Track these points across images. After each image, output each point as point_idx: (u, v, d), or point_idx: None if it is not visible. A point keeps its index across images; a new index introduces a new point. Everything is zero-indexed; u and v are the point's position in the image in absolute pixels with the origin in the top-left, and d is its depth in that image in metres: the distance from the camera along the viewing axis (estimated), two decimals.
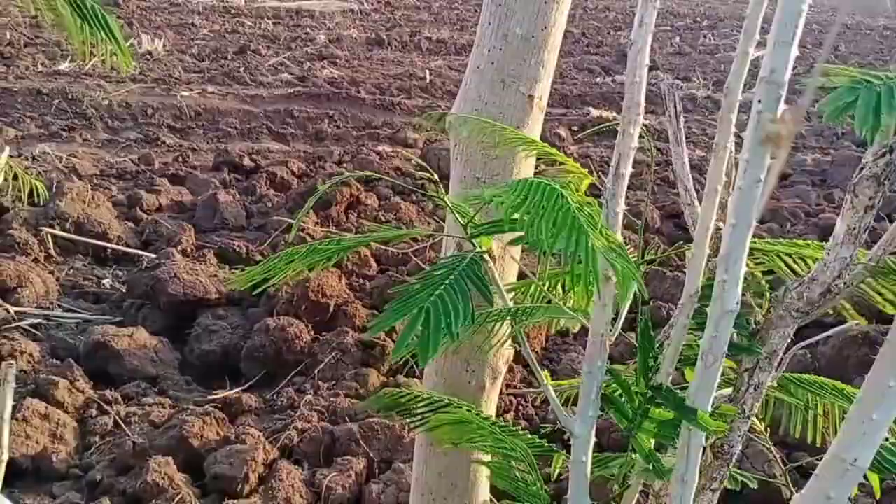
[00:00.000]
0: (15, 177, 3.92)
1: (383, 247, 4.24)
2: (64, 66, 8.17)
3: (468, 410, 1.22)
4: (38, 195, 4.06)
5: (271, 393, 2.86)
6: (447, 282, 0.97)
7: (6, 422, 1.10)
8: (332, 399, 2.73)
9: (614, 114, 8.23)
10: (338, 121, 7.48)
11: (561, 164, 1.22)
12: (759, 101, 0.79)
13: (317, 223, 4.62)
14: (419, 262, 3.91)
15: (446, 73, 9.74)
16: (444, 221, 4.96)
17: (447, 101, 8.43)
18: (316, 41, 11.02)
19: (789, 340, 0.95)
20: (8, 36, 9.19)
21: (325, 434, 2.47)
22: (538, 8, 1.32)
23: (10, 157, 4.95)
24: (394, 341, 3.11)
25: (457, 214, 1.09)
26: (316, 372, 2.91)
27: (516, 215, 0.90)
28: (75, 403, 2.62)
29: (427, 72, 9.31)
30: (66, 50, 8.68)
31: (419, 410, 1.24)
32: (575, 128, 7.68)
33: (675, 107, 1.05)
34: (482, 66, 1.36)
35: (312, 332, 3.10)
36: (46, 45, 9.11)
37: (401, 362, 3.08)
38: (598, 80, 9.67)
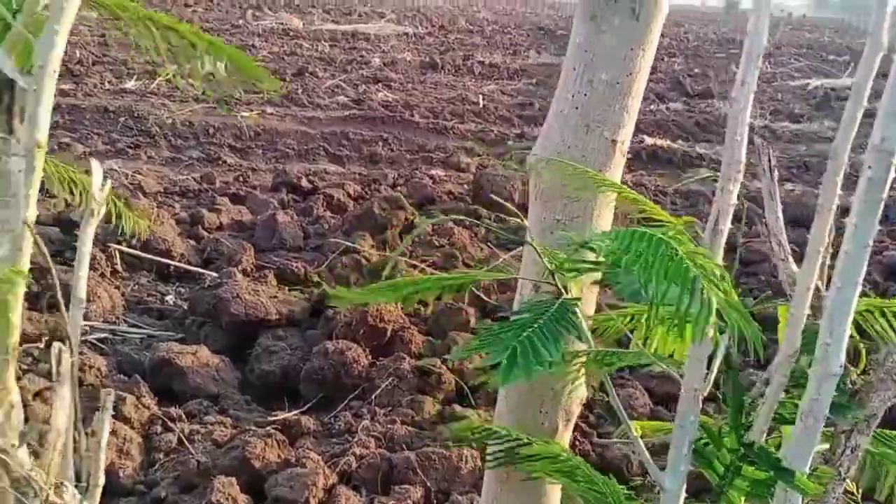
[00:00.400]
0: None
1: (436, 271, 4.26)
2: (130, 84, 8.47)
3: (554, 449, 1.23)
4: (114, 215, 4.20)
5: (329, 416, 2.89)
6: (537, 324, 0.98)
7: (103, 449, 1.14)
8: (388, 425, 2.74)
9: (668, 142, 8.16)
10: (391, 144, 7.58)
11: (646, 210, 1.22)
12: (870, 167, 0.79)
13: (372, 246, 4.67)
14: (474, 289, 3.92)
15: (499, 98, 9.80)
16: (497, 247, 4.98)
17: (500, 125, 8.48)
18: (371, 64, 11.20)
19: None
20: (77, 54, 9.59)
21: (382, 461, 2.49)
22: (624, 55, 1.33)
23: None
24: (451, 370, 3.12)
25: (545, 259, 1.10)
26: (373, 397, 2.94)
27: (620, 263, 0.91)
28: (141, 419, 2.69)
29: (480, 96, 9.37)
30: (132, 69, 9.01)
31: (501, 446, 1.25)
32: (629, 155, 7.60)
33: (769, 162, 1.05)
34: (566, 111, 1.37)
35: (370, 357, 3.13)
36: (114, 64, 9.47)
37: (455, 392, 3.09)
38: (651, 107, 9.60)
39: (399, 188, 6.08)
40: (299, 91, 8.80)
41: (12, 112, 0.68)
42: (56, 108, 7.26)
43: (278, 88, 1.29)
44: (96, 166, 1.22)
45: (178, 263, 4.20)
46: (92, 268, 3.89)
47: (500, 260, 4.48)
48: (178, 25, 1.17)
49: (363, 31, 14.81)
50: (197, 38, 1.17)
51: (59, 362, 0.96)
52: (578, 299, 1.06)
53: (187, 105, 7.69)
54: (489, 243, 5.04)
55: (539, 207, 1.43)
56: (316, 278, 4.17)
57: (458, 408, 2.92)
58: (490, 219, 5.56)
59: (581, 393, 1.47)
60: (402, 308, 3.54)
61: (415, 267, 4.17)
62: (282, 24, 14.68)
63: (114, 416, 2.60)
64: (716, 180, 0.96)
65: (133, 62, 9.20)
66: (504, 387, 1.58)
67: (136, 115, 7.19)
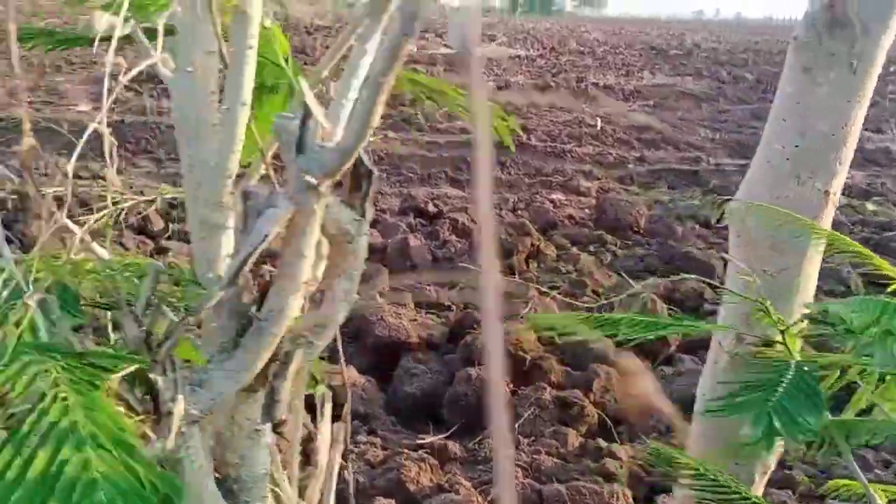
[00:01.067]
0: None
1: (565, 299, 4.25)
2: None
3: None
4: None
5: (473, 442, 2.94)
6: (780, 388, 0.98)
7: (334, 478, 1.22)
8: (534, 456, 2.76)
9: None
10: (510, 168, 7.65)
11: (869, 262, 1.19)
12: None
13: (499, 271, 4.73)
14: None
15: (615, 120, 9.69)
16: (625, 274, 4.91)
17: (618, 149, 8.39)
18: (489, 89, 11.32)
19: None
20: None
21: (532, 492, 2.51)
22: (840, 106, 1.32)
23: None
24: (593, 403, 3.11)
25: (774, 319, 1.10)
26: (516, 426, 2.96)
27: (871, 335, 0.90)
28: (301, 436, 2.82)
29: (598, 119, 9.31)
30: None
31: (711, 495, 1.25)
32: None
33: None
34: (775, 161, 1.37)
35: (510, 385, 3.17)
36: None
37: (597, 425, 3.08)
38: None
39: (520, 212, 6.12)
40: (418, 115, 9.02)
41: (367, 198, 0.76)
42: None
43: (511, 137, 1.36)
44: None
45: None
46: None
47: (633, 290, 4.42)
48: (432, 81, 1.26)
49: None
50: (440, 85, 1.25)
51: (323, 404, 1.05)
52: (814, 362, 1.05)
53: None
54: (616, 270, 4.99)
55: (742, 256, 1.43)
56: (447, 301, 4.27)
57: (602, 442, 2.90)
58: (615, 245, 5.51)
59: (780, 447, 1.45)
60: (537, 337, 3.56)
61: (545, 294, 4.18)
62: None
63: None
64: None
65: None
66: (695, 433, 1.57)
67: None
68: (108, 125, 0.93)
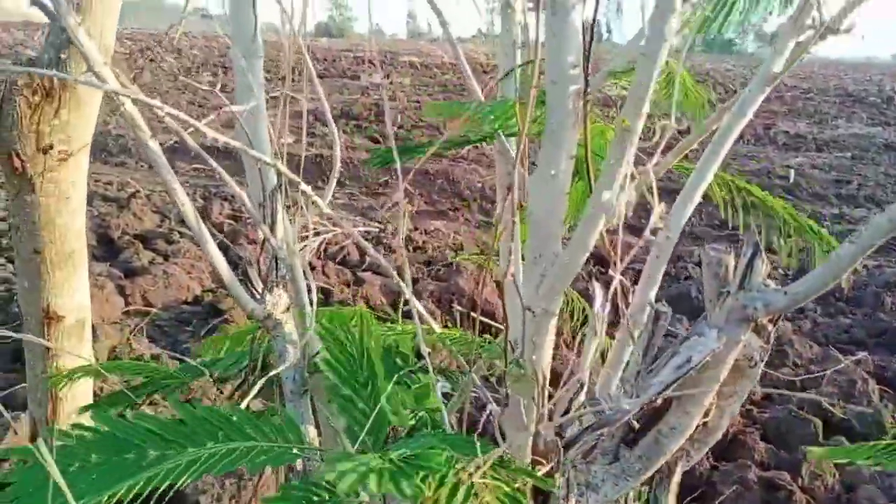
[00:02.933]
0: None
1: (766, 368, 3.99)
2: None
3: None
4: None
5: None
6: None
7: None
8: None
9: None
10: (693, 218, 7.37)
11: None
12: None
13: (687, 329, 4.54)
14: (819, 396, 3.59)
15: (809, 173, 9.08)
16: (829, 345, 4.54)
17: (813, 203, 7.83)
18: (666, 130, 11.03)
19: None
20: (399, 118, 10.76)
21: None
22: None
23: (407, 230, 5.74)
24: (802, 489, 2.89)
25: None
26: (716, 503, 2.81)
27: None
28: None
29: (791, 171, 8.76)
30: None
31: None
32: None
33: None
34: None
35: (711, 459, 3.01)
36: (430, 128, 10.45)
37: None
38: None
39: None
40: None
41: (776, 325, 0.76)
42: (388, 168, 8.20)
43: None
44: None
45: (500, 326, 4.44)
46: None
47: (841, 365, 4.07)
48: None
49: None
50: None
51: None
52: None
53: (494, 171, 8.21)
54: (818, 342, 4.62)
55: None
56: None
57: None
58: (816, 311, 5.11)
59: None
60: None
61: None
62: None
63: None
64: None
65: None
66: None
67: (451, 178, 7.84)
68: (308, 159, 1.00)
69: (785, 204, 1.37)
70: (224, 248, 5.07)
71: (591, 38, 0.84)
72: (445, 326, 4.21)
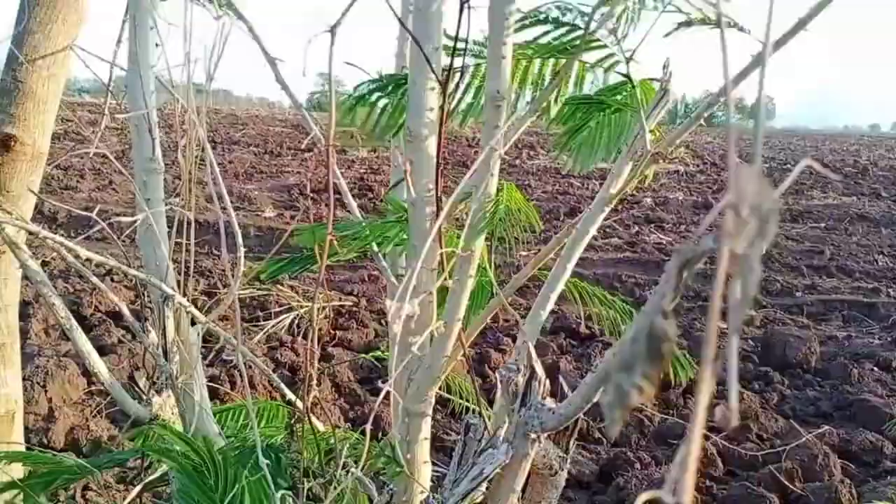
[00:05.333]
0: None
1: (730, 445, 4.01)
2: None
3: None
4: None
5: None
6: None
7: None
8: None
9: None
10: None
11: None
12: None
13: (655, 405, 4.55)
14: (775, 472, 3.59)
15: (782, 244, 9.24)
16: (794, 419, 4.54)
17: (785, 275, 7.95)
18: (642, 203, 11.29)
19: None
20: (384, 191, 10.95)
21: None
22: None
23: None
24: None
25: None
26: None
27: None
28: None
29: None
30: None
31: None
32: None
33: None
34: None
35: None
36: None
37: None
38: None
39: (680, 339, 5.91)
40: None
41: (572, 437, 0.82)
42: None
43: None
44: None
45: (467, 403, 4.44)
46: None
47: (802, 440, 4.08)
48: None
49: None
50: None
51: None
52: None
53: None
54: (785, 415, 4.63)
55: None
56: (597, 434, 4.15)
57: None
58: (783, 384, 5.13)
59: None
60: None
61: (706, 437, 3.96)
62: (553, 162, 15.48)
63: None
64: None
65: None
66: None
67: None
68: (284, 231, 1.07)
69: (618, 300, 1.45)
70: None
71: (440, 165, 0.92)
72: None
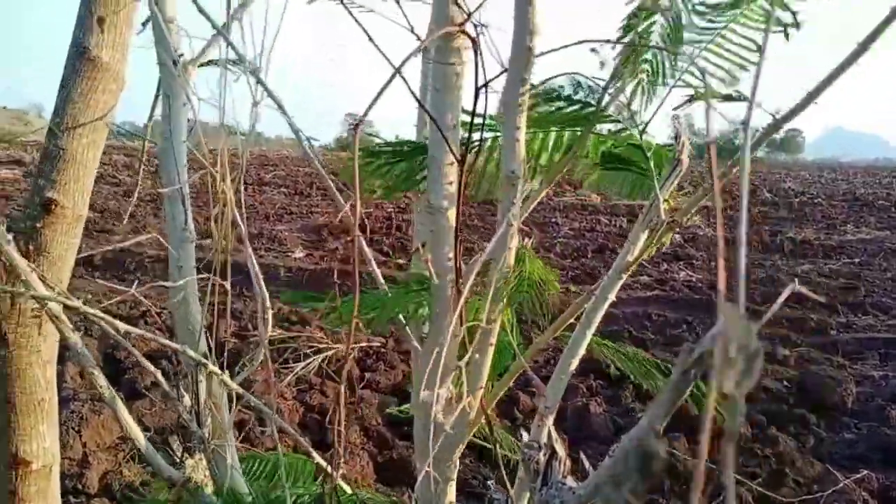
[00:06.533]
0: None
1: (766, 491, 3.91)
2: None
3: None
4: None
5: None
6: None
7: None
8: None
9: None
10: (697, 328, 7.35)
11: None
12: None
13: (687, 448, 4.48)
14: None
15: (816, 280, 9.09)
16: (831, 464, 4.43)
17: (820, 312, 7.81)
18: (671, 240, 11.19)
19: None
20: (411, 229, 11.03)
21: None
22: None
23: None
24: None
25: None
26: None
27: None
28: None
29: (795, 279, 8.76)
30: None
31: None
32: None
33: None
34: None
35: None
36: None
37: None
38: None
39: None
40: (601, 268, 9.07)
41: None
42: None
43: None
44: None
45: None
46: None
47: (841, 485, 3.97)
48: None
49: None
50: None
51: None
52: None
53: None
54: (821, 459, 4.52)
55: None
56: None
57: None
58: (819, 426, 5.01)
59: None
60: None
61: (741, 484, 3.88)
62: (581, 199, 15.49)
63: None
64: None
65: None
66: None
67: None
68: (319, 272, 1.10)
69: (645, 355, 1.45)
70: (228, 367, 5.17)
71: (458, 236, 0.95)
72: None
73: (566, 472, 0.80)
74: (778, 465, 4.22)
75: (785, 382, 5.84)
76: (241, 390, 1.20)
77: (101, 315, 1.03)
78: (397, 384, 5.35)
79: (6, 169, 19.52)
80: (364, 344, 6.60)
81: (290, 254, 9.85)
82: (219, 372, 1.18)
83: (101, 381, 1.08)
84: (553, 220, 12.83)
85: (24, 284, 1.08)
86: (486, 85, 0.78)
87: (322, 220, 12.41)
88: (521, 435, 1.26)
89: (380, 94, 0.72)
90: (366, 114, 0.71)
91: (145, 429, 4.09)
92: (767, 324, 7.54)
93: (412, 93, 0.92)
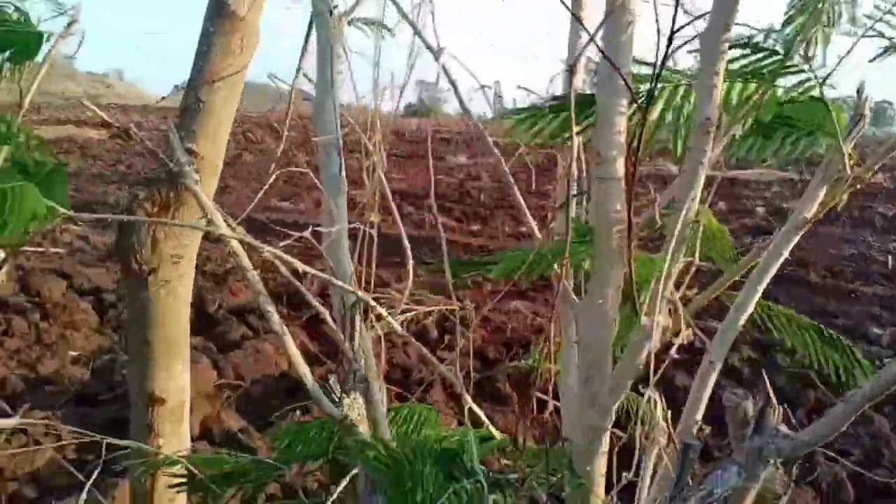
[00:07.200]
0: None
1: (861, 470, 3.79)
2: (524, 228, 9.39)
3: None
4: None
5: None
6: None
7: None
8: None
9: None
10: (783, 303, 7.13)
11: None
12: None
13: None
14: None
15: None
16: None
17: None
18: (755, 213, 10.85)
19: None
20: (482, 198, 10.99)
21: None
22: None
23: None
24: None
25: None
26: None
27: None
28: None
29: (889, 256, 8.38)
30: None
31: None
32: None
33: None
34: None
35: None
36: (511, 207, 10.64)
37: None
38: None
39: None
40: None
41: (796, 462, 0.83)
42: (466, 247, 8.37)
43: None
44: None
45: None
46: None
47: None
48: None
49: (742, 178, 14.45)
50: None
51: None
52: None
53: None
54: None
55: None
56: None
57: None
58: None
59: None
60: None
61: (833, 460, 3.76)
62: (659, 169, 15.09)
63: None
64: None
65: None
66: None
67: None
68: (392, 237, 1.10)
69: (814, 323, 1.39)
70: (315, 326, 5.31)
71: (631, 186, 0.94)
72: (522, 412, 4.22)
73: (779, 420, 0.79)
74: (873, 445, 4.09)
75: (877, 361, 5.62)
76: (389, 320, 1.23)
77: (280, 254, 1.07)
78: (476, 347, 5.39)
79: (94, 131, 20.36)
80: (443, 307, 6.68)
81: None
82: (384, 313, 1.21)
83: (275, 318, 1.13)
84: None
85: (209, 223, 1.12)
86: (678, 30, 0.76)
87: (395, 186, 12.49)
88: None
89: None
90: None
91: (240, 378, 4.25)
92: (860, 302, 7.24)
93: (593, 41, 0.90)
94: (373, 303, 1.19)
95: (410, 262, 1.36)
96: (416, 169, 15.02)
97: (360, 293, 1.17)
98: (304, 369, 1.13)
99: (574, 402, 1.10)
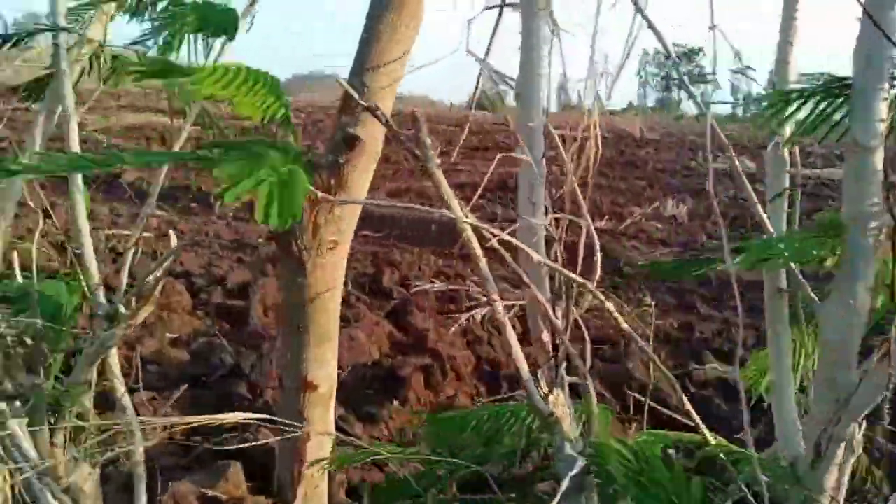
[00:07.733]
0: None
1: None
2: (601, 223, 9.25)
3: None
4: None
5: None
6: None
7: None
8: None
9: None
10: None
11: None
12: None
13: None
14: None
15: None
16: None
17: None
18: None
19: None
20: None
21: None
22: None
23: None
24: None
25: None
26: None
27: None
28: None
29: None
30: (600, 209, 9.87)
31: None
32: None
33: None
34: None
35: None
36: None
37: None
38: None
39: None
40: None
41: None
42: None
43: None
44: None
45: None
46: None
47: None
48: None
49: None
50: None
51: None
52: None
53: (655, 248, 8.09)
54: None
55: None
56: None
57: None
58: None
59: None
60: None
61: None
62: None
63: None
64: None
65: (601, 202, 10.14)
66: None
67: (610, 255, 7.79)
68: None
69: None
70: (397, 316, 5.32)
71: (889, 180, 0.87)
72: (619, 414, 4.13)
73: None
74: None
75: None
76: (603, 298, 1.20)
77: (510, 239, 1.04)
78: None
79: (168, 119, 20.90)
80: (522, 302, 6.61)
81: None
82: (588, 284, 1.17)
83: (499, 308, 1.10)
84: (701, 185, 12.23)
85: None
86: None
87: (466, 178, 12.45)
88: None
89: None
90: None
91: (338, 367, 4.29)
92: None
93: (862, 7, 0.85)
94: (584, 281, 1.15)
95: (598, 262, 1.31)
96: (483, 161, 14.93)
97: (562, 270, 1.13)
98: (522, 363, 1.11)
99: (792, 411, 1.04)
